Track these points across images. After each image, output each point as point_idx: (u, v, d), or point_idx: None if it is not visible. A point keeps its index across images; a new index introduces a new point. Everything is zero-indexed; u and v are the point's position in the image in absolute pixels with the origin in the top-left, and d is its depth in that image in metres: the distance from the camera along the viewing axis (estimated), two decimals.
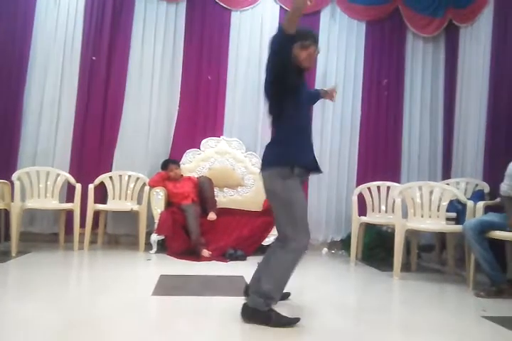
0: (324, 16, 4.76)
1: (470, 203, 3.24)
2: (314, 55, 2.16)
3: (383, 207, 4.14)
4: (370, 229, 4.11)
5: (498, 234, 2.86)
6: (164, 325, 2.14)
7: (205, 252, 3.69)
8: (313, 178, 4.58)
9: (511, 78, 3.86)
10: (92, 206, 4.01)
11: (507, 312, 2.52)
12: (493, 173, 3.83)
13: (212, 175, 4.39)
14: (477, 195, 3.79)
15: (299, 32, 1.98)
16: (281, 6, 4.69)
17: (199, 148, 4.56)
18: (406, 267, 3.60)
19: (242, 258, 3.72)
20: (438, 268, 3.91)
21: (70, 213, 3.97)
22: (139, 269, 3.49)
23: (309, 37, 2.14)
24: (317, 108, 4.60)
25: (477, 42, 4.34)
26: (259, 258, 3.40)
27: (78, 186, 3.98)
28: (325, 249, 4.52)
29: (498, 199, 3.22)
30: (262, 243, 3.92)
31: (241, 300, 2.24)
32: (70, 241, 3.92)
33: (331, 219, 4.64)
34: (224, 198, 4.44)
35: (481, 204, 3.17)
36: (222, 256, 3.71)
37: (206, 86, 4.65)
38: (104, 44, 4.47)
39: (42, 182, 4.11)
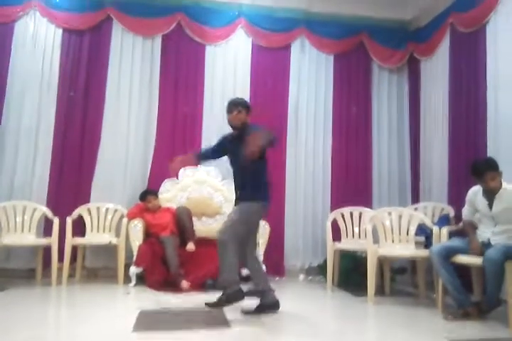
0: (294, 50, 5.00)
1: (435, 229, 3.42)
2: (233, 116, 3.05)
3: (356, 232, 4.29)
4: (345, 254, 4.23)
5: (462, 259, 3.03)
6: None
7: (184, 283, 3.73)
8: (289, 205, 4.73)
9: (468, 108, 4.13)
10: (70, 240, 4.00)
11: (471, 334, 2.65)
12: (456, 197, 4.04)
13: (190, 204, 4.46)
14: (443, 219, 3.99)
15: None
16: (253, 40, 4.92)
17: (177, 178, 4.64)
18: (380, 291, 3.73)
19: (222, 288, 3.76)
20: (411, 290, 4.05)
21: (47, 247, 3.96)
22: (118, 304, 3.49)
23: (228, 106, 3.08)
24: (291, 137, 4.83)
25: (436, 73, 4.65)
26: None
27: (56, 220, 3.98)
28: (302, 275, 4.61)
29: (461, 224, 3.41)
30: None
31: (220, 332, 2.28)
32: (47, 277, 3.90)
33: (308, 245, 4.75)
34: (202, 227, 4.49)
35: (445, 229, 3.35)
36: (202, 286, 3.75)
37: (183, 117, 4.77)
38: (81, 78, 4.57)
39: (19, 216, 4.12)
